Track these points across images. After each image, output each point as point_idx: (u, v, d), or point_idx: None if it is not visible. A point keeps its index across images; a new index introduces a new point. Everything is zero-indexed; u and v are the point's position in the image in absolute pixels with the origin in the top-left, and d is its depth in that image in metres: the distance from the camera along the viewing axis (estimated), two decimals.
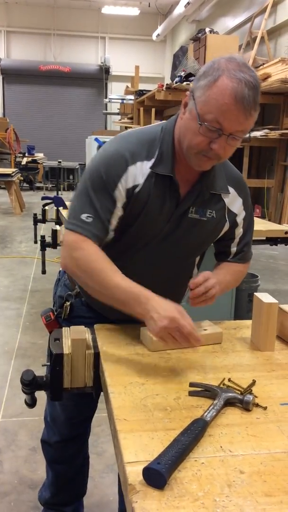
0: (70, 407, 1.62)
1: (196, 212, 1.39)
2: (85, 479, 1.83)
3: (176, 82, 7.99)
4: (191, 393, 1.09)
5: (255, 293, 1.40)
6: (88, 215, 1.30)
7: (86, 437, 1.78)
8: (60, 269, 1.65)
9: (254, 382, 1.14)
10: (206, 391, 1.09)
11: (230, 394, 1.05)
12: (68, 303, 1.54)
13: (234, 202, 1.45)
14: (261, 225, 3.53)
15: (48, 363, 1.31)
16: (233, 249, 1.53)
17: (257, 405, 1.05)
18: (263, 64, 8.09)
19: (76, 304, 1.55)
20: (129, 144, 1.34)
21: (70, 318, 1.53)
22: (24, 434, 2.49)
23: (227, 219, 1.45)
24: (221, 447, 0.91)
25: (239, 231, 1.50)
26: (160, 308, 1.18)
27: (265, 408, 1.05)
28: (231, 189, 1.43)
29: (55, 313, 1.56)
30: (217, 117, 1.20)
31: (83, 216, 1.30)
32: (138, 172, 1.32)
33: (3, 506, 2.00)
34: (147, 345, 1.31)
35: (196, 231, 1.41)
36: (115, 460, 1.00)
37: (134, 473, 0.83)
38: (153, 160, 1.33)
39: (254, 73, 1.21)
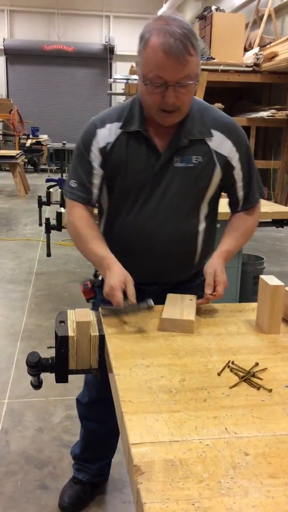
0: None
1: (182, 161, 1.47)
2: (113, 443, 1.92)
3: None
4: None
5: (260, 276, 1.39)
6: (74, 180, 1.53)
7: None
8: None
9: (256, 364, 1.14)
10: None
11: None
12: None
13: (221, 144, 1.49)
14: (267, 207, 3.50)
15: (53, 346, 1.32)
16: (240, 193, 1.57)
17: (262, 387, 1.05)
18: (270, 42, 7.95)
19: None
20: (103, 114, 1.54)
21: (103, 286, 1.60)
22: (31, 415, 2.51)
23: (216, 162, 1.49)
24: (226, 429, 0.91)
25: (238, 174, 1.54)
26: (109, 275, 1.38)
27: (270, 391, 1.04)
28: (216, 133, 1.48)
29: (92, 281, 1.69)
30: (157, 73, 1.32)
31: (71, 182, 1.53)
32: (107, 133, 1.48)
33: (10, 485, 2.03)
34: (183, 330, 1.33)
35: (185, 179, 1.47)
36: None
37: (139, 454, 0.83)
38: (123, 121, 1.49)
39: (182, 22, 1.31)
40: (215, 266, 1.47)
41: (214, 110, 1.54)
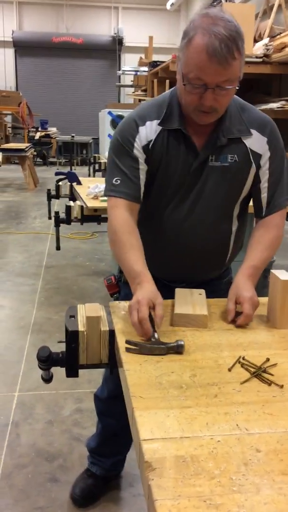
0: None
1: (217, 160, 1.44)
2: (129, 439, 1.87)
3: None
4: (127, 350, 1.17)
5: (271, 270, 1.38)
6: (117, 178, 1.45)
7: None
8: None
9: (267, 360, 1.14)
10: (140, 348, 1.16)
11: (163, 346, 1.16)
12: None
13: (257, 142, 1.46)
14: None
15: (64, 340, 1.32)
16: (264, 195, 1.50)
17: (273, 383, 1.05)
18: (280, 33, 7.85)
19: None
20: (139, 110, 1.49)
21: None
22: (41, 408, 2.53)
23: (252, 161, 1.46)
24: (237, 425, 0.91)
25: (264, 174, 1.48)
26: (140, 290, 1.29)
27: (281, 387, 1.04)
28: (253, 131, 1.45)
29: (117, 277, 1.67)
30: (197, 74, 1.27)
31: (114, 180, 1.46)
32: (149, 130, 1.44)
33: (21, 478, 2.04)
34: (195, 325, 1.32)
35: (220, 178, 1.45)
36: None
37: (151, 451, 0.83)
38: (161, 118, 1.45)
39: (229, 23, 1.25)
40: (236, 289, 1.38)
41: (252, 109, 1.50)
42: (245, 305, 1.32)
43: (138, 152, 1.44)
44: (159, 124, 1.44)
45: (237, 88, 1.32)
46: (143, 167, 1.45)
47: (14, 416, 2.45)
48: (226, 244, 1.56)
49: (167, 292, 1.40)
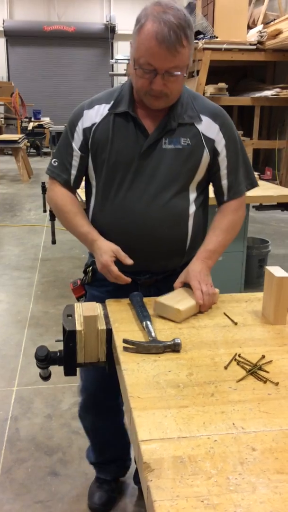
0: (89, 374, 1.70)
1: (170, 143, 1.48)
2: (122, 441, 1.91)
3: None
4: (124, 349, 1.18)
5: (266, 267, 1.39)
6: (56, 159, 1.59)
7: (117, 406, 1.82)
8: None
9: (263, 357, 1.15)
10: (138, 347, 1.17)
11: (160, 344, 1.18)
12: (90, 268, 1.65)
13: (209, 128, 1.50)
14: (271, 191, 3.48)
15: (62, 339, 1.33)
16: (224, 182, 1.56)
17: (268, 380, 1.06)
18: (274, 19, 7.79)
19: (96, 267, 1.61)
20: (93, 97, 1.57)
21: (93, 282, 1.64)
22: (40, 402, 2.55)
23: (205, 145, 1.50)
24: (233, 424, 0.93)
25: (223, 161, 1.53)
26: (97, 253, 1.48)
27: (276, 384, 1.06)
28: (204, 117, 1.50)
29: (81, 280, 1.70)
30: (147, 59, 1.33)
31: (53, 161, 1.60)
32: (95, 114, 1.51)
33: (21, 472, 2.07)
34: (170, 317, 1.34)
35: (174, 160, 1.48)
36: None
37: (149, 451, 0.85)
38: (111, 103, 1.51)
39: (179, 12, 1.32)
40: (186, 273, 1.46)
41: (203, 99, 1.56)
42: (196, 293, 1.40)
43: (76, 136, 1.53)
44: (108, 109, 1.50)
45: (185, 76, 1.38)
46: (76, 153, 1.54)
47: (13, 411, 2.47)
48: (184, 228, 1.54)
49: (133, 285, 1.50)
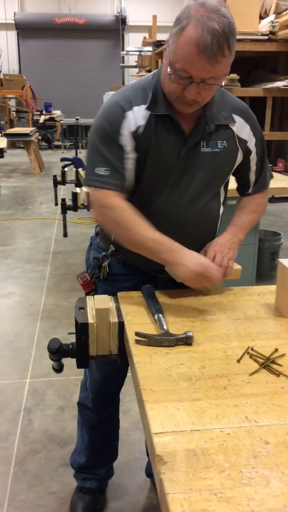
0: (105, 366, 1.67)
1: (208, 146, 1.44)
2: (116, 441, 1.91)
3: None
4: (136, 342, 1.18)
5: (279, 259, 1.38)
6: (105, 168, 1.39)
7: (118, 402, 1.84)
8: (92, 235, 1.70)
9: (276, 350, 1.15)
10: (150, 340, 1.17)
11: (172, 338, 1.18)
12: (106, 263, 1.58)
13: (242, 129, 1.49)
14: (284, 182, 3.45)
15: (74, 332, 1.33)
16: (252, 178, 1.59)
17: (282, 374, 1.06)
18: (286, 9, 7.69)
19: (112, 263, 1.59)
20: (124, 93, 1.44)
21: (109, 277, 1.59)
22: (52, 394, 2.57)
23: (239, 147, 1.49)
24: (246, 417, 0.92)
25: (253, 158, 1.55)
26: (191, 256, 1.35)
27: None
28: (237, 118, 1.47)
29: (90, 274, 1.62)
30: (184, 66, 1.25)
31: (100, 171, 1.39)
32: (137, 115, 1.39)
33: (34, 463, 2.09)
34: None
35: (211, 163, 1.46)
36: (140, 418, 1.02)
37: (162, 444, 0.85)
38: (148, 102, 1.40)
39: (224, 18, 1.22)
40: (214, 244, 1.47)
41: (229, 94, 1.52)
42: (217, 256, 1.42)
43: (126, 139, 1.38)
44: (146, 109, 1.39)
45: (221, 85, 1.32)
46: (132, 155, 1.40)
47: (26, 403, 2.49)
48: (215, 229, 1.57)
49: (154, 283, 1.47)
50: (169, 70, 1.29)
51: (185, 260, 1.34)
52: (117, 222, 1.39)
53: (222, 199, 1.57)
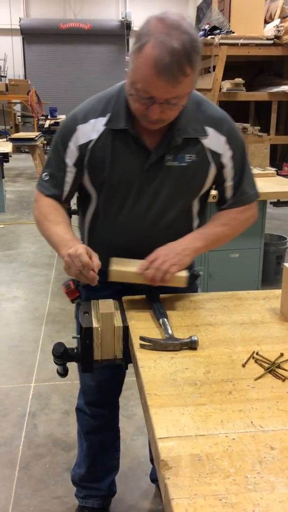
0: (100, 371, 1.65)
1: (175, 159, 1.38)
2: (117, 453, 1.85)
3: (200, 36, 7.72)
4: (141, 346, 1.18)
5: (284, 264, 1.38)
6: (46, 173, 1.47)
7: (117, 408, 1.81)
8: None
9: (281, 355, 1.14)
10: (154, 344, 1.17)
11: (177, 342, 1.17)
12: None
13: (215, 142, 1.40)
14: None
15: (78, 336, 1.33)
16: (228, 193, 1.49)
17: (287, 379, 1.05)
18: None
19: None
20: (85, 105, 1.43)
21: (87, 285, 1.51)
22: (57, 398, 2.56)
23: (211, 160, 1.41)
24: (251, 422, 0.92)
25: (229, 172, 1.45)
26: (73, 248, 1.30)
27: None
28: (210, 130, 1.39)
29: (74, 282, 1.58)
30: (144, 87, 1.19)
31: (43, 175, 1.48)
32: (91, 129, 1.38)
33: (39, 467, 2.08)
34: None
35: (179, 177, 1.39)
36: (144, 422, 1.02)
37: (166, 449, 0.84)
38: (108, 116, 1.37)
39: (184, 35, 1.15)
40: (163, 248, 1.39)
41: (208, 105, 1.43)
42: (142, 262, 1.36)
43: (70, 151, 1.40)
44: (104, 125, 1.36)
45: (185, 104, 1.27)
46: (70, 169, 1.42)
47: (31, 407, 2.49)
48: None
49: (132, 293, 1.44)
50: (130, 89, 1.24)
51: (66, 249, 1.32)
52: (37, 219, 1.47)
53: (196, 211, 1.50)
